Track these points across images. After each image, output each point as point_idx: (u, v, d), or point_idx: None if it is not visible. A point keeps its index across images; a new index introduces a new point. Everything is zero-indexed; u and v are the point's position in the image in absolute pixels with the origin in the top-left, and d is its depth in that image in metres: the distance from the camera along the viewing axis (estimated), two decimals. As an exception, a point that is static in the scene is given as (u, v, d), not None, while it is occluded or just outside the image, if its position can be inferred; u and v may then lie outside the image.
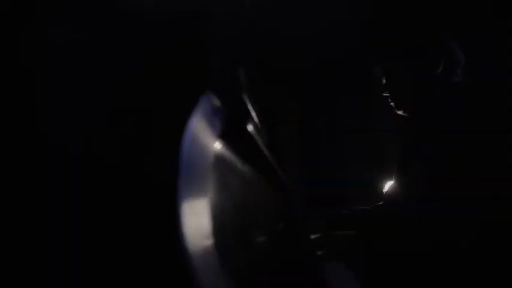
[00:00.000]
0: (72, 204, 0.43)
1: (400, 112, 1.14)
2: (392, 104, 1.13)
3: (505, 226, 0.94)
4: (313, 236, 1.19)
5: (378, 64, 1.14)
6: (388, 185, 1.16)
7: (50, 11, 0.46)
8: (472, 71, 1.12)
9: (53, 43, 0.46)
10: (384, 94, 1.14)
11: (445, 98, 1.04)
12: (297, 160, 2.88)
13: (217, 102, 0.55)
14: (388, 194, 1.15)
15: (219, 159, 0.57)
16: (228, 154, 0.65)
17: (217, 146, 0.56)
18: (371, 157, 2.55)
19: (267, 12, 1.90)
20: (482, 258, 0.93)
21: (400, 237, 1.01)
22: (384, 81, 1.13)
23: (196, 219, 0.45)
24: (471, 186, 0.94)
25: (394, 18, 1.12)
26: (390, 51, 1.11)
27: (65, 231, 0.43)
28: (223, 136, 0.57)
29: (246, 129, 0.66)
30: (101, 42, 0.47)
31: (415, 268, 0.97)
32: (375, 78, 1.16)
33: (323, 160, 2.93)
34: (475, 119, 0.98)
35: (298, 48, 2.34)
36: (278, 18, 1.99)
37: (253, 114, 0.71)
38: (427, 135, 1.03)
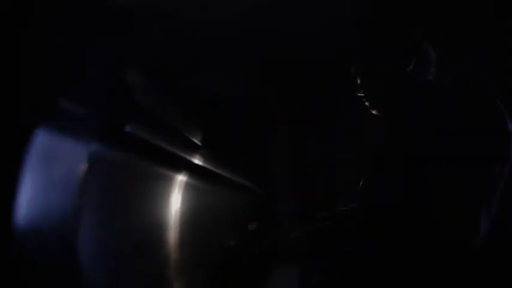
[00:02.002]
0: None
1: (374, 111, 1.14)
2: (367, 103, 1.14)
3: (503, 226, 0.93)
4: (291, 235, 1.19)
5: (353, 63, 1.14)
6: (370, 185, 1.15)
7: (50, 11, 0.46)
8: (459, 71, 1.12)
9: (53, 43, 0.46)
10: (359, 94, 1.15)
11: (422, 96, 1.04)
12: (297, 160, 2.88)
13: (87, 104, 0.53)
14: (369, 194, 1.14)
15: (99, 161, 0.55)
16: (111, 156, 0.63)
17: (90, 148, 0.54)
18: (369, 157, 2.54)
19: (267, 12, 1.90)
20: (480, 259, 0.92)
21: (385, 238, 1.00)
22: (359, 80, 1.14)
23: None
24: (463, 186, 0.93)
25: (378, 18, 1.12)
26: (364, 50, 1.11)
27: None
28: (103, 137, 0.55)
29: (128, 130, 0.65)
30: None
31: (403, 269, 0.96)
32: (351, 78, 1.17)
33: (322, 160, 2.93)
34: (468, 119, 0.97)
35: (298, 48, 2.34)
36: (278, 18, 1.99)
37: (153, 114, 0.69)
38: (400, 134, 1.03)
